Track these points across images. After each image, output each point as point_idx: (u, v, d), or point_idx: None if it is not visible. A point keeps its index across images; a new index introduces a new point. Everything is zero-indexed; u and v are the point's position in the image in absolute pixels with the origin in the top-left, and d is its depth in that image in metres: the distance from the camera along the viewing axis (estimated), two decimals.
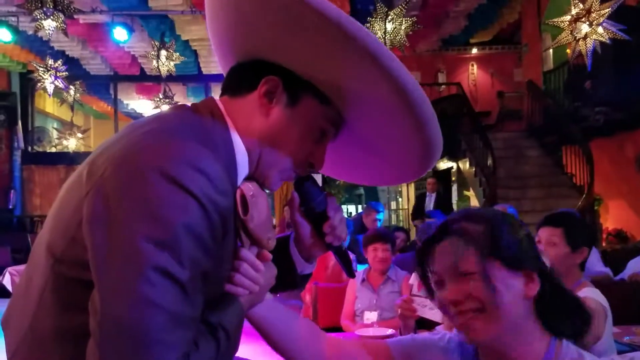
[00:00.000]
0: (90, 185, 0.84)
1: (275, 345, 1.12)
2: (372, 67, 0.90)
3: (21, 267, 5.95)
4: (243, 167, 0.99)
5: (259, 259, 0.99)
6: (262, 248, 1.01)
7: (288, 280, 1.13)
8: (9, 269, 5.86)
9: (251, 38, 1.01)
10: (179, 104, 1.02)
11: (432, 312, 2.12)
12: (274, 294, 1.13)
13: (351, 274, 1.15)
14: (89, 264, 0.81)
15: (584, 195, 8.25)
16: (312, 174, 1.10)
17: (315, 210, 1.09)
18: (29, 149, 11.81)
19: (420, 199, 9.16)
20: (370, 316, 3.43)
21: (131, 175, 0.81)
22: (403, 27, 7.02)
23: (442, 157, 12.65)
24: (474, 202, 11.00)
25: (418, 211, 8.85)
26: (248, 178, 1.02)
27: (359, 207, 23.16)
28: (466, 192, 12.80)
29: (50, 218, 0.95)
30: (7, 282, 5.71)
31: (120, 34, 8.51)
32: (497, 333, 1.03)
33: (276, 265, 1.05)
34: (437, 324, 2.22)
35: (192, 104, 1.02)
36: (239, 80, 1.04)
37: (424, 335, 1.24)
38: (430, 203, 8.36)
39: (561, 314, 1.08)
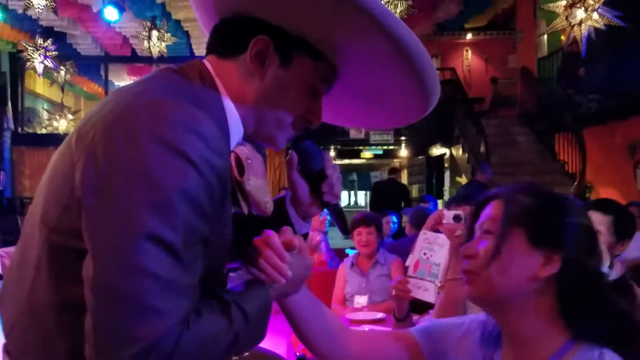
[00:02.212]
0: (80, 151, 0.82)
1: (303, 335, 1.10)
2: (364, 16, 0.88)
3: (11, 249, 5.91)
4: (236, 131, 0.96)
5: (285, 247, 0.94)
6: (260, 212, 1.00)
7: None
8: None
9: None
10: (165, 67, 0.98)
11: (426, 294, 2.13)
12: None
13: (346, 230, 1.14)
14: (83, 233, 0.79)
15: (576, 183, 8.29)
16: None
17: (314, 169, 1.08)
18: (19, 130, 11.68)
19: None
20: (360, 300, 3.46)
21: (122, 138, 0.79)
22: (398, 11, 6.97)
23: (434, 143, 12.67)
24: None
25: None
26: (245, 141, 1.00)
27: (352, 192, 23.18)
28: (459, 179, 12.82)
29: (42, 189, 0.92)
30: None
31: (110, 13, 8.37)
32: (489, 301, 1.02)
33: (274, 227, 1.00)
34: (431, 306, 2.23)
35: (179, 67, 0.97)
36: (225, 41, 0.99)
37: (445, 320, 1.24)
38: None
39: (585, 313, 0.96)
